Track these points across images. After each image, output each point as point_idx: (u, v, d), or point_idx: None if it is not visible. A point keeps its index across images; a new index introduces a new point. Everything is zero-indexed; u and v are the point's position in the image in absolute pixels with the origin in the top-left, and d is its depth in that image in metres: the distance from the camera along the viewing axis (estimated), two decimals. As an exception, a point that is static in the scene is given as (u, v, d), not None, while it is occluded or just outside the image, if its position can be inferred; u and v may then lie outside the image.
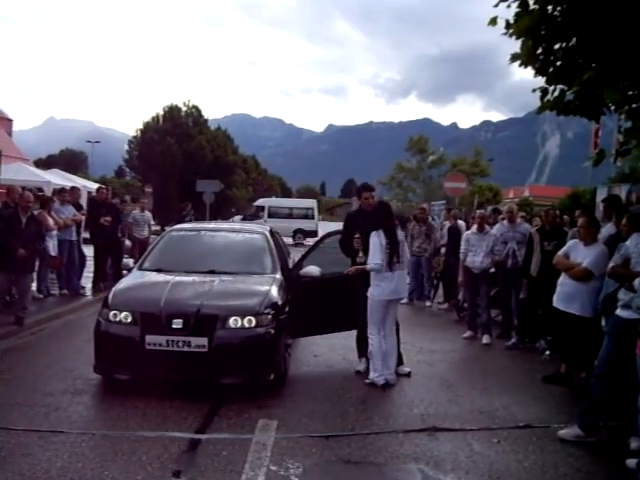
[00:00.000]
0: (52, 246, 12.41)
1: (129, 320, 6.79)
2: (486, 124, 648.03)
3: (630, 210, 7.32)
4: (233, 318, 6.72)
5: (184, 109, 52.50)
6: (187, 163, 46.55)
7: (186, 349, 6.58)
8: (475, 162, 49.64)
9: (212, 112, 79.98)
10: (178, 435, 5.65)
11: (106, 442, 5.50)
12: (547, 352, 9.25)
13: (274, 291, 7.44)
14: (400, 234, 7.94)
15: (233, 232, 9.60)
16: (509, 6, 6.74)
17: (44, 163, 49.32)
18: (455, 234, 12.57)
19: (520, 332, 10.04)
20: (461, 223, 13.96)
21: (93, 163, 72.38)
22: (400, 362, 8.02)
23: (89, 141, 70.24)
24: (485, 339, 10.29)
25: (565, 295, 7.57)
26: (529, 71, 7.00)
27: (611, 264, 6.23)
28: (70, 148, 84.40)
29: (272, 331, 6.87)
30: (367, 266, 7.51)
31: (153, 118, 51.35)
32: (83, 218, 13.88)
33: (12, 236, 9.63)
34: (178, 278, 7.64)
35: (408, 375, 7.93)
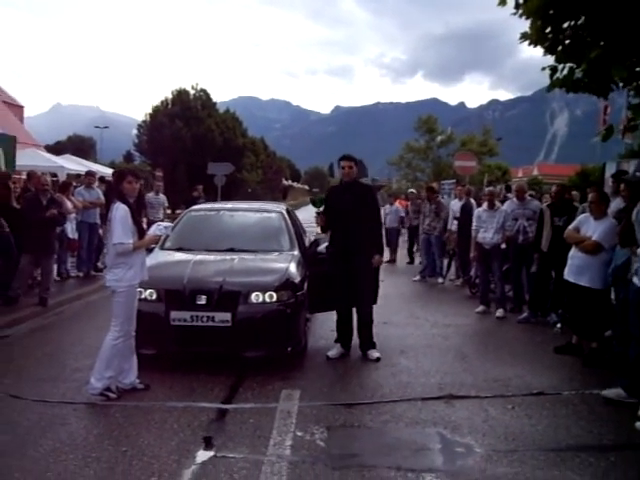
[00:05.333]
0: (70, 229, 12.70)
1: (154, 297, 7.01)
2: (494, 103, 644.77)
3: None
4: (255, 293, 6.97)
5: (192, 92, 52.56)
6: (196, 146, 46.66)
7: (210, 324, 6.84)
8: (484, 141, 49.60)
9: (219, 95, 79.97)
10: (206, 405, 5.92)
11: (138, 412, 5.76)
12: (558, 325, 9.45)
13: (293, 268, 7.67)
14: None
15: (251, 211, 9.81)
16: (517, -15, 6.90)
17: (53, 149, 49.37)
18: (468, 211, 12.72)
19: (532, 306, 10.23)
20: (472, 201, 14.09)
21: (101, 149, 72.50)
22: (372, 346, 7.91)
23: (97, 126, 70.40)
24: (499, 312, 10.54)
25: (575, 268, 7.81)
26: (538, 49, 7.15)
27: None
28: (78, 134, 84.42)
29: (292, 306, 7.13)
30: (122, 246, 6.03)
31: (162, 102, 51.42)
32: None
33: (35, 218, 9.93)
34: (199, 256, 7.87)
35: (377, 360, 7.65)
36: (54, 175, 17.65)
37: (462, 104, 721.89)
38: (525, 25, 7.12)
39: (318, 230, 8.23)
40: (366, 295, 7.89)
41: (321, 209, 8.08)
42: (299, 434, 5.26)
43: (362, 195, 7.98)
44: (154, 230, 6.64)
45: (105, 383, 6.07)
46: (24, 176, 13.89)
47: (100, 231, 13.75)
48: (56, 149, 50.42)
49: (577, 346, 8.07)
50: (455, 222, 13.98)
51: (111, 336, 6.14)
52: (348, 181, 7.98)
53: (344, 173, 7.94)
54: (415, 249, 18.73)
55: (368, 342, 7.90)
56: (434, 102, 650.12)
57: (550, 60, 7.18)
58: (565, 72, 7.01)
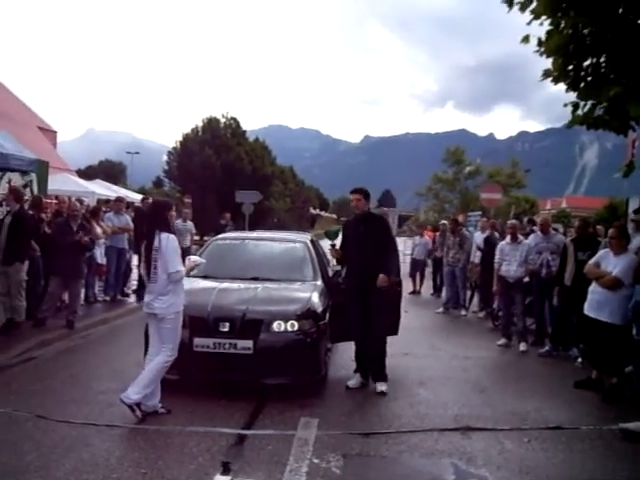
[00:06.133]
0: (99, 254, 12.96)
1: (178, 323, 7.16)
2: (523, 135, 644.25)
3: None
4: (277, 322, 7.10)
5: (223, 121, 53.15)
6: (225, 174, 47.10)
7: (232, 351, 6.98)
8: (511, 173, 49.49)
9: (250, 123, 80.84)
10: (226, 431, 6.01)
11: (159, 436, 5.88)
12: (579, 359, 9.43)
13: (315, 297, 7.79)
14: None
15: (275, 241, 9.98)
16: (541, 24, 7.05)
17: (84, 174, 50.17)
18: (492, 244, 12.76)
19: (553, 340, 10.24)
20: (496, 234, 14.13)
21: (131, 174, 73.53)
22: (382, 378, 7.83)
23: (129, 152, 71.45)
24: (522, 346, 10.56)
25: (596, 303, 7.84)
26: (565, 82, 7.27)
27: None
28: (109, 159, 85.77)
29: (313, 335, 7.24)
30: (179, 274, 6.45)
31: (192, 130, 52.05)
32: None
33: (65, 243, 10.17)
34: (224, 284, 8.04)
35: (382, 394, 7.56)
36: (80, 202, 18.01)
37: (491, 135, 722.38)
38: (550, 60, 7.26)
39: (334, 262, 8.34)
40: (377, 328, 7.79)
41: (336, 242, 8.20)
42: (315, 461, 5.35)
43: (375, 226, 7.99)
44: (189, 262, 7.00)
45: (139, 398, 6.24)
46: (55, 201, 14.22)
47: (127, 256, 14.01)
48: (87, 174, 51.16)
49: (597, 381, 8.07)
50: (478, 254, 14.04)
51: (162, 359, 6.42)
52: (360, 213, 8.05)
53: (353, 206, 8.04)
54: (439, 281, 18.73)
55: (377, 375, 7.85)
56: (463, 133, 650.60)
57: (575, 96, 7.30)
58: (586, 109, 7.12)
